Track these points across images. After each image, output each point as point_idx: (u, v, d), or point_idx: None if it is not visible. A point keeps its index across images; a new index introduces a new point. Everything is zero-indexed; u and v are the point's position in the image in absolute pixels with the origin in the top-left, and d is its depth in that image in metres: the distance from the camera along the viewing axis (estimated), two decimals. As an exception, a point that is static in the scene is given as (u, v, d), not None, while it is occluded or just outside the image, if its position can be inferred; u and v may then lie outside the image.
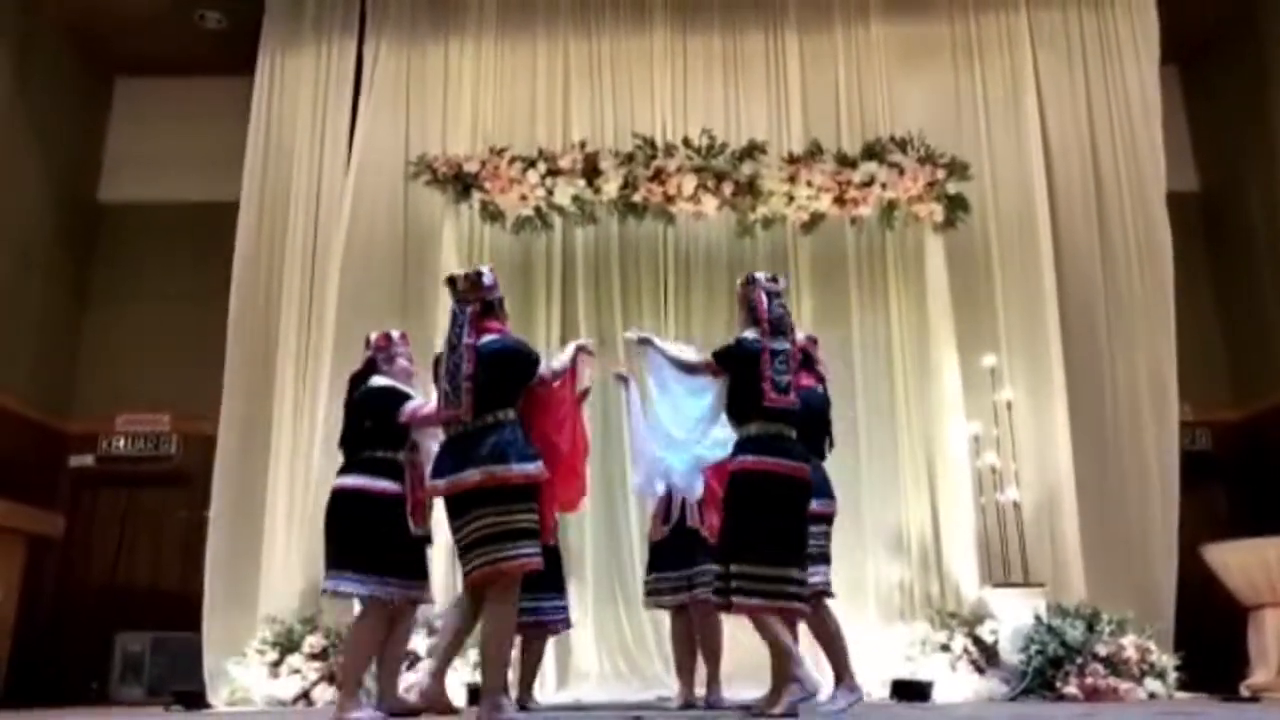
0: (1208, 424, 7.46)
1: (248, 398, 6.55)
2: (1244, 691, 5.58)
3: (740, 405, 4.06)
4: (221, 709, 5.71)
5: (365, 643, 4.16)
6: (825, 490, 4.61)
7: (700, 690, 4.91)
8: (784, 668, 3.84)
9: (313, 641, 5.69)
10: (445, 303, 6.39)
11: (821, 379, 4.90)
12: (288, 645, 5.72)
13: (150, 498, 7.62)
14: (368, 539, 4.07)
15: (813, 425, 4.53)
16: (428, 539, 4.28)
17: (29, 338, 7.39)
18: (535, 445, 3.87)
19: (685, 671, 4.92)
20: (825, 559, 4.63)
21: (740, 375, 4.07)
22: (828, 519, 4.66)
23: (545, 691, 6.06)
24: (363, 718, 4.00)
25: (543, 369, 4.07)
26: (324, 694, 5.56)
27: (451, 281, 4.03)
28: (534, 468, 3.75)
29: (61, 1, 7.50)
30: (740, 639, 4.83)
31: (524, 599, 4.16)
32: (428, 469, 4.06)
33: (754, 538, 3.87)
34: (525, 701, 4.82)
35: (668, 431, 4.62)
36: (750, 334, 4.14)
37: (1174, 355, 6.47)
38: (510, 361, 3.89)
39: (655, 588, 4.92)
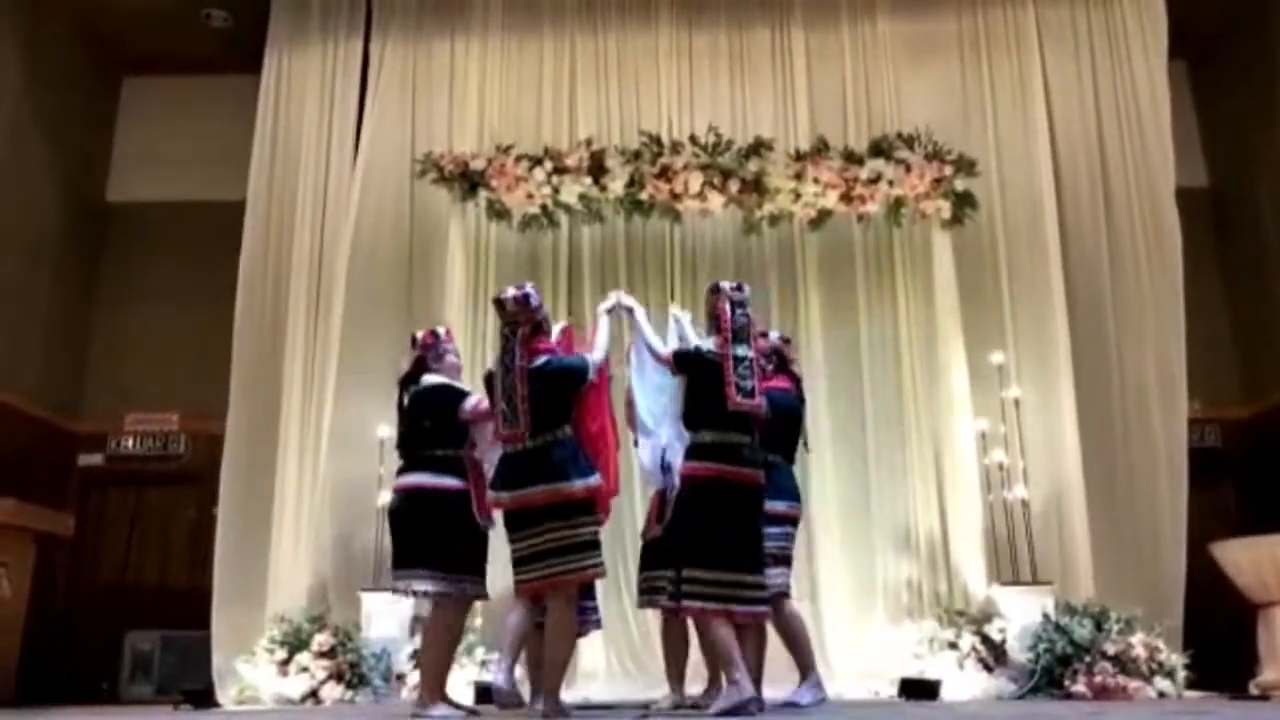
0: (1217, 421, 7.42)
1: (255, 396, 6.56)
2: (1253, 690, 5.55)
3: (697, 411, 4.12)
4: (230, 707, 5.73)
5: (446, 639, 4.27)
6: (790, 493, 4.64)
7: (693, 690, 4.89)
8: (726, 671, 3.93)
9: (321, 640, 5.69)
10: (452, 300, 6.53)
11: (797, 380, 4.90)
12: (296, 643, 5.73)
13: (159, 497, 7.64)
14: (439, 536, 4.14)
15: (783, 428, 4.55)
16: (487, 534, 4.34)
17: (37, 337, 7.41)
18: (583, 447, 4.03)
19: (676, 671, 4.86)
20: (786, 560, 4.64)
21: (699, 381, 4.12)
22: (792, 520, 4.67)
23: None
24: (444, 716, 4.10)
25: (591, 375, 4.15)
26: (332, 692, 5.57)
27: (500, 304, 4.14)
28: (594, 480, 3.95)
29: (69, 1, 7.52)
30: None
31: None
32: (487, 466, 4.18)
33: (703, 543, 3.94)
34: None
35: (641, 417, 4.65)
36: (710, 343, 4.19)
37: (1183, 352, 6.44)
38: (564, 380, 4.04)
39: (650, 587, 4.86)
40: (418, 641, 5.60)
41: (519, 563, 3.98)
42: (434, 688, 4.19)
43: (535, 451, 3.93)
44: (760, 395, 4.11)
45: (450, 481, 4.19)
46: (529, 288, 4.20)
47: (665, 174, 6.58)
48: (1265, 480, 7.17)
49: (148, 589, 7.40)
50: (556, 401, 3.99)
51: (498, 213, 6.77)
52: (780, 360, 4.84)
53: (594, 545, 3.93)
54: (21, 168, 7.27)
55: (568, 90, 7.17)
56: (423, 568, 4.13)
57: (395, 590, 4.30)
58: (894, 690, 5.61)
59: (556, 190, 6.62)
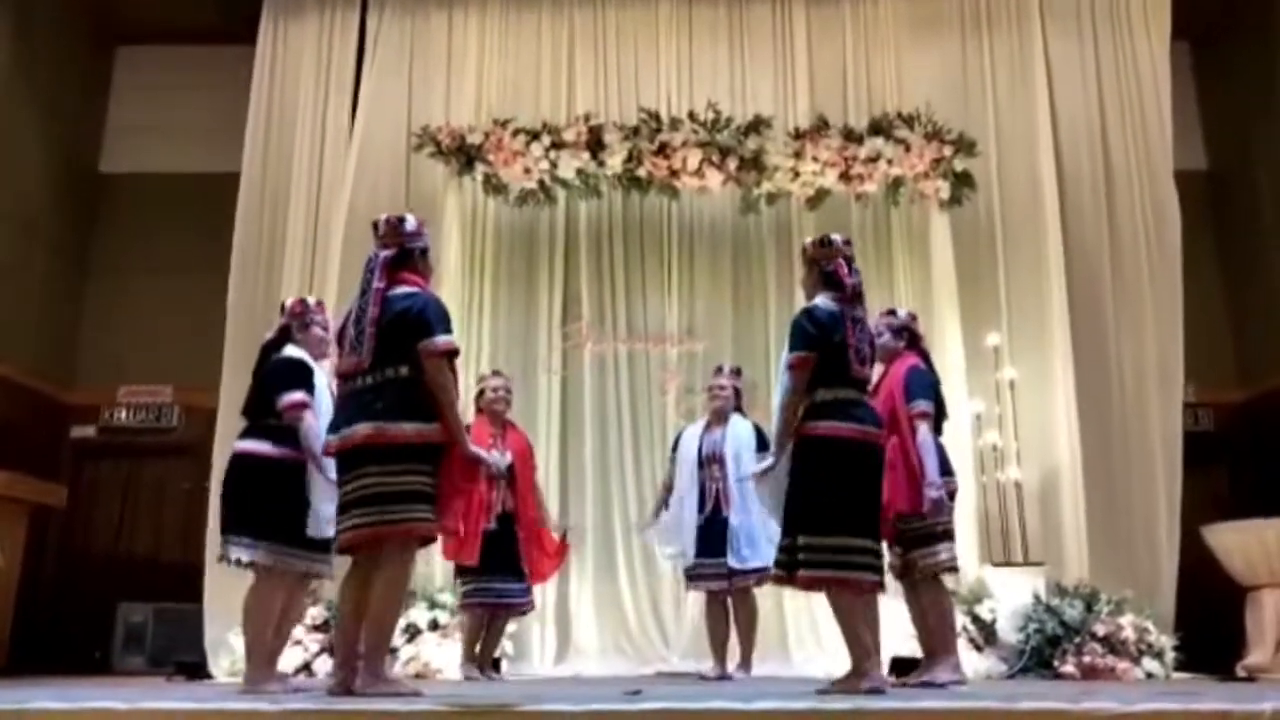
0: (1211, 405, 7.45)
1: (248, 369, 6.44)
2: (1240, 672, 5.59)
3: (819, 373, 3.69)
4: (223, 679, 5.74)
5: (266, 614, 4.03)
6: (946, 467, 4.47)
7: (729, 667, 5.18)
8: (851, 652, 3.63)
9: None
10: (447, 277, 6.48)
11: (926, 355, 4.64)
12: (289, 617, 5.73)
13: (152, 469, 7.65)
14: (259, 503, 3.95)
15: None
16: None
17: (31, 309, 7.38)
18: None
19: (719, 648, 5.20)
20: (950, 535, 4.43)
21: (824, 347, 3.69)
22: (949, 494, 4.42)
23: (544, 666, 6.11)
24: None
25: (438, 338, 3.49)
26: (325, 665, 5.58)
27: (374, 225, 3.76)
28: (430, 428, 3.41)
29: (61, -32, 7.45)
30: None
31: (492, 580, 4.77)
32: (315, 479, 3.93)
33: (822, 508, 3.57)
34: (486, 673, 5.21)
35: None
36: (822, 298, 3.80)
37: (1180, 335, 6.45)
38: (414, 323, 3.48)
39: (698, 573, 5.18)
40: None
41: (338, 511, 3.47)
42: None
43: (369, 390, 3.45)
44: (869, 364, 3.78)
45: (283, 450, 3.97)
46: (410, 217, 3.76)
47: (663, 150, 6.55)
48: (1258, 464, 7.20)
49: (140, 561, 7.41)
50: (403, 339, 3.46)
51: (494, 187, 6.74)
52: (911, 336, 4.63)
53: (425, 497, 3.39)
54: (14, 137, 7.21)
55: (566, 64, 7.13)
56: (245, 535, 3.93)
57: (221, 559, 4.05)
58: (885, 669, 5.63)
59: (554, 165, 6.59)
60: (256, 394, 4.14)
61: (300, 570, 4.05)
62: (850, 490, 3.60)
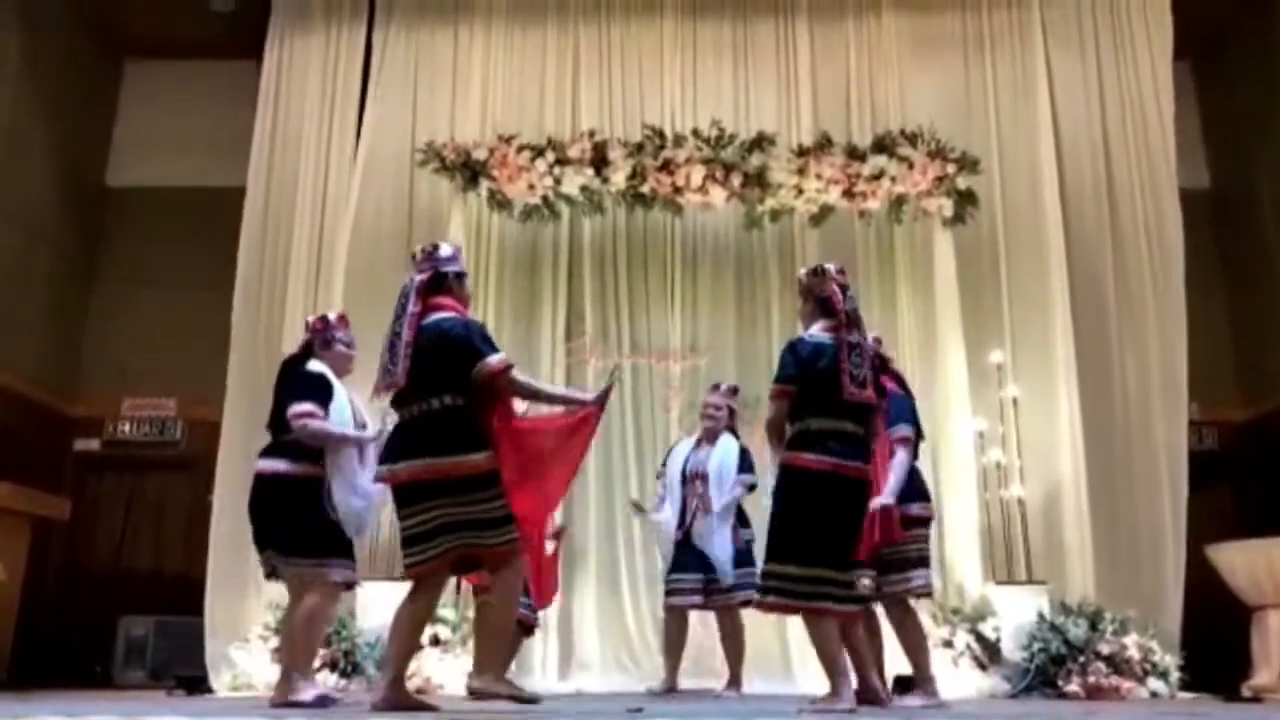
0: (1215, 423, 7.44)
1: (252, 383, 6.53)
2: (1246, 692, 5.56)
3: (807, 399, 3.79)
4: (224, 694, 5.72)
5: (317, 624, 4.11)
6: (924, 493, 4.62)
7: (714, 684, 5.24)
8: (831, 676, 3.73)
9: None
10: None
11: (900, 378, 4.69)
12: (290, 631, 5.72)
13: (155, 482, 7.65)
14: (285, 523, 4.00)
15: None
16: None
17: (36, 321, 7.40)
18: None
19: (674, 660, 5.25)
20: (926, 561, 4.54)
21: (811, 374, 3.79)
22: (925, 521, 4.55)
23: (547, 681, 6.08)
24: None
25: (483, 356, 3.58)
26: (326, 680, 5.55)
27: (412, 255, 3.88)
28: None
29: (71, -16, 7.51)
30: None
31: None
32: (339, 495, 3.96)
33: (801, 538, 3.68)
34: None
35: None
36: (817, 328, 3.90)
37: (1184, 353, 6.44)
38: (447, 347, 3.56)
39: (674, 588, 5.21)
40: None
41: (419, 539, 3.49)
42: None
43: (422, 421, 3.52)
44: (870, 386, 3.84)
45: (301, 466, 3.99)
46: (446, 244, 3.87)
47: (667, 167, 6.56)
48: (1262, 483, 7.18)
49: (142, 574, 7.41)
50: (448, 365, 3.54)
51: (499, 203, 6.76)
52: (882, 361, 4.63)
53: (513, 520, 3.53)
54: (21, 150, 7.25)
55: (570, 81, 7.16)
56: (278, 551, 4.01)
57: (269, 577, 4.17)
58: (889, 687, 5.60)
59: (558, 181, 6.60)
60: (276, 409, 4.14)
61: (335, 580, 4.04)
62: (821, 522, 3.68)
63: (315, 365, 4.17)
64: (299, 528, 3.98)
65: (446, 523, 3.44)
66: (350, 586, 4.25)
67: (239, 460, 6.40)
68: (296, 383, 4.10)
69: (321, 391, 4.07)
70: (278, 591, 5.94)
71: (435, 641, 5.67)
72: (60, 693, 5.89)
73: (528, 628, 5.20)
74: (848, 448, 3.75)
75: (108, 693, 6.19)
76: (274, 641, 5.72)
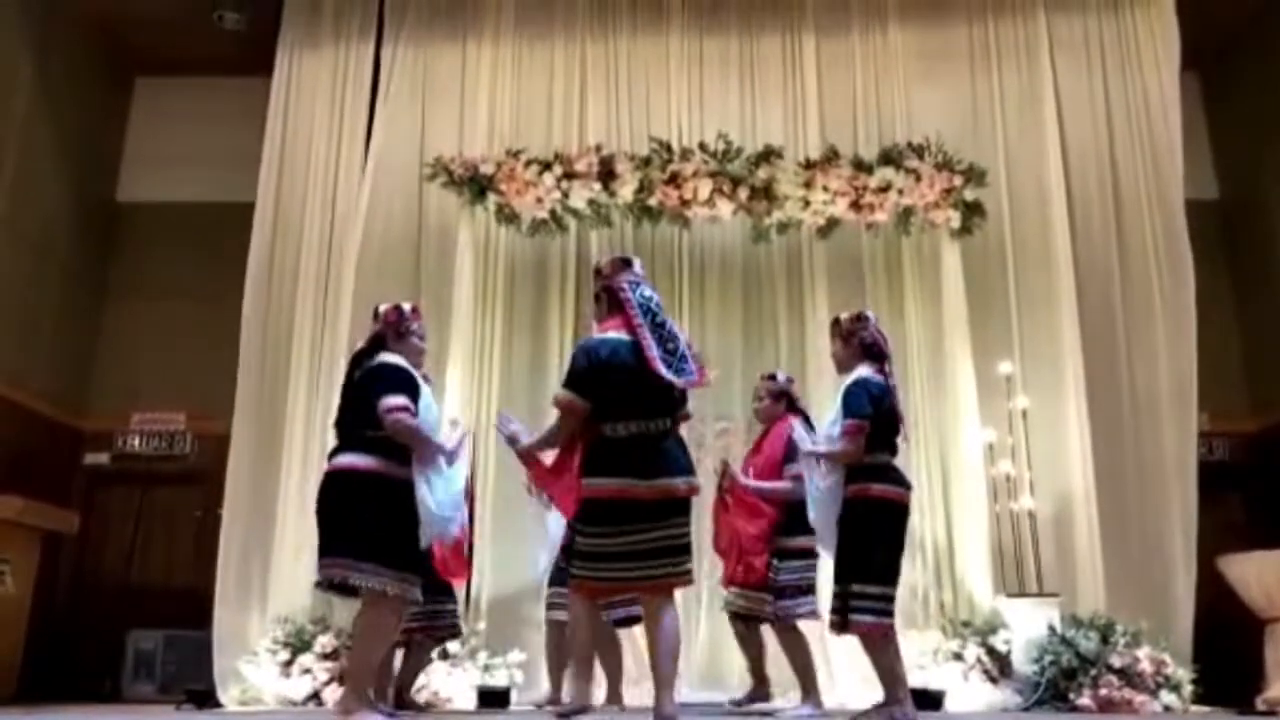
0: (1225, 434, 7.40)
1: (261, 398, 6.57)
2: (1260, 705, 5.52)
3: (877, 436, 4.10)
4: (232, 708, 5.72)
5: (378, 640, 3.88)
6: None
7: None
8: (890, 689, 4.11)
9: (324, 641, 5.69)
10: (461, 306, 6.51)
11: (806, 418, 5.01)
12: (299, 645, 5.72)
13: (164, 496, 7.65)
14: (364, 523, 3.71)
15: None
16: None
17: (46, 336, 7.43)
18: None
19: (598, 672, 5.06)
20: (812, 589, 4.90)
21: (877, 416, 4.11)
22: (814, 553, 4.77)
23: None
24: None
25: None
26: (335, 694, 5.55)
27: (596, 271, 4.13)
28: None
29: (82, 1, 7.56)
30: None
31: (428, 602, 4.33)
32: (422, 486, 3.79)
33: (879, 560, 4.04)
34: (406, 702, 4.95)
35: None
36: (866, 370, 4.18)
37: (1193, 363, 6.41)
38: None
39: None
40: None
41: (622, 557, 3.65)
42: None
43: (664, 435, 3.77)
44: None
45: (390, 464, 3.74)
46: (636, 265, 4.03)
47: (674, 180, 6.57)
48: (1273, 494, 7.13)
49: (151, 588, 7.40)
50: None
51: (507, 217, 6.78)
52: (790, 400, 5.08)
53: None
54: (33, 166, 7.30)
55: (578, 95, 7.18)
56: (344, 556, 3.66)
57: (317, 585, 3.85)
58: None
59: (566, 195, 6.62)
60: (351, 403, 3.86)
61: (405, 595, 3.77)
62: (894, 545, 4.08)
63: (390, 357, 3.91)
64: (376, 530, 3.67)
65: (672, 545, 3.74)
66: (411, 603, 3.91)
67: (247, 474, 6.45)
68: (384, 375, 3.82)
69: (411, 387, 3.83)
70: (286, 605, 5.98)
71: (444, 655, 5.66)
72: (69, 707, 5.89)
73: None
74: (903, 476, 4.22)
75: (117, 707, 6.20)
76: (282, 655, 5.72)
